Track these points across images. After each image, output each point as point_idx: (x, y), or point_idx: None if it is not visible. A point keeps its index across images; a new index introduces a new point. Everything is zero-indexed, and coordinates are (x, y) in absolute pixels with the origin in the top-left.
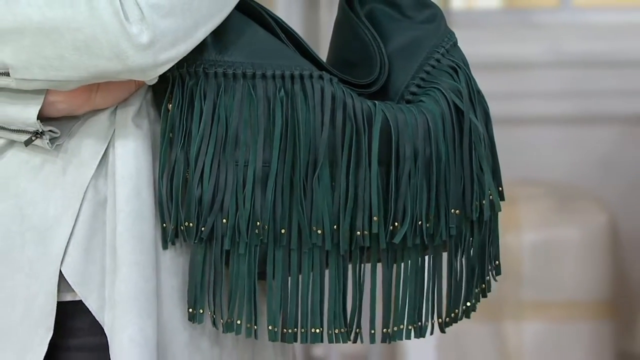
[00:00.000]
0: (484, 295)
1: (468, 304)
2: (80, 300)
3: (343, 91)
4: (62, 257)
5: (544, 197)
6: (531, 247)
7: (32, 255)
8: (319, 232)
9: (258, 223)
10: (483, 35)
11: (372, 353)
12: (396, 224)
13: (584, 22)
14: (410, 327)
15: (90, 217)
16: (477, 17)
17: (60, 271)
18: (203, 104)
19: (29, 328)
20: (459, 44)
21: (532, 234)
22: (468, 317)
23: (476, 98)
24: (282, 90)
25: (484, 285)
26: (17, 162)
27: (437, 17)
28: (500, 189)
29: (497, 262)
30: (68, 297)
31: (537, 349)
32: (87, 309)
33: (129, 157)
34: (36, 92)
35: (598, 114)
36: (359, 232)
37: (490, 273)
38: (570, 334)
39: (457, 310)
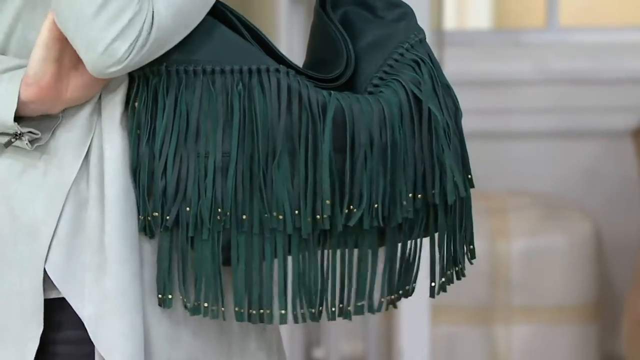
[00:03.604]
0: (458, 278)
1: (433, 284)
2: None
3: (299, 82)
4: (46, 256)
5: (532, 207)
6: (520, 254)
7: (22, 254)
8: (280, 217)
9: (219, 210)
10: (474, 54)
11: (370, 355)
12: (351, 207)
13: (568, 42)
14: (362, 304)
15: (72, 217)
16: (468, 37)
17: (45, 269)
18: (166, 99)
19: (23, 323)
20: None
21: (521, 242)
22: (432, 296)
23: (442, 91)
24: (240, 83)
25: (457, 269)
26: (5, 165)
27: (407, 16)
28: (469, 176)
29: (471, 246)
30: (53, 294)
31: (525, 351)
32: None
33: (118, 158)
34: (9, 94)
35: (582, 129)
36: (318, 216)
37: (465, 256)
38: (557, 337)
39: (407, 287)
